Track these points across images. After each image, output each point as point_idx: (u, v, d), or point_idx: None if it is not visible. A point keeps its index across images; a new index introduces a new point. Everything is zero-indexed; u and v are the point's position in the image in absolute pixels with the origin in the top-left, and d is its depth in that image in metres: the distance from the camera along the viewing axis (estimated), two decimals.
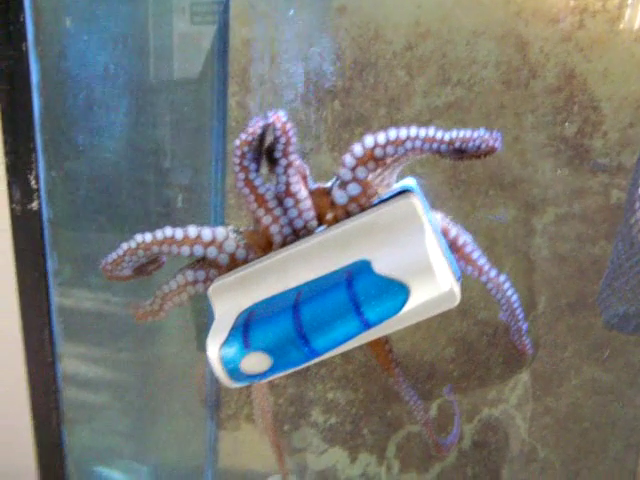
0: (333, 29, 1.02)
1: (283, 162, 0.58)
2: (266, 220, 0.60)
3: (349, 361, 1.15)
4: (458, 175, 1.05)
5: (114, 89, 1.02)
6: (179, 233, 0.62)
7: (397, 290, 0.52)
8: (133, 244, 0.63)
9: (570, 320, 1.09)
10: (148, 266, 0.69)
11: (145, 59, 1.05)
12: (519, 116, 1.02)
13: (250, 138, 0.57)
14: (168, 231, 0.63)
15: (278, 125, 0.57)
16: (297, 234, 0.60)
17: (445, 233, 0.61)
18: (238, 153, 0.58)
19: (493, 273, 0.62)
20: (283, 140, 0.57)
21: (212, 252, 0.63)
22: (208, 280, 0.64)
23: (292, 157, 0.58)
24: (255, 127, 0.57)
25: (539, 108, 1.01)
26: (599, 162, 1.02)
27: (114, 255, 0.64)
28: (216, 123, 1.06)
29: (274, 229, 0.60)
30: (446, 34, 1.01)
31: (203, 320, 1.14)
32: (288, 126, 0.57)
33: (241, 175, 0.59)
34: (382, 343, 0.67)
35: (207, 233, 0.62)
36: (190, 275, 0.65)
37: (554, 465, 1.15)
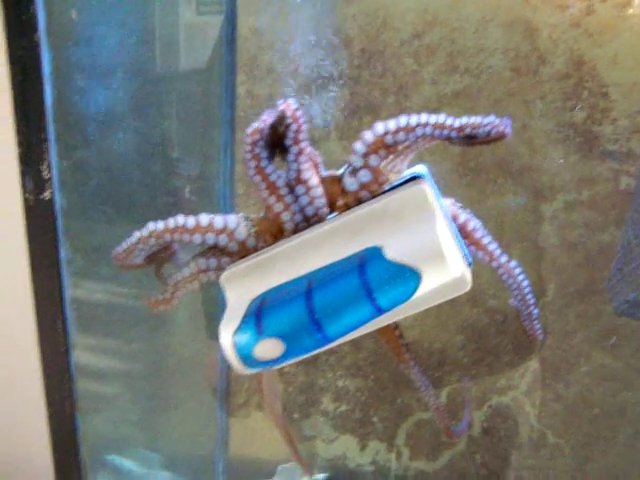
0: (341, 17, 1.02)
1: (294, 149, 0.58)
2: (277, 207, 0.61)
3: (359, 349, 1.15)
4: (466, 163, 1.05)
5: (123, 79, 1.03)
6: (191, 221, 0.63)
7: (409, 276, 0.52)
8: (145, 232, 0.63)
9: (579, 307, 1.09)
10: (159, 254, 0.69)
11: (153, 49, 1.05)
12: (527, 103, 1.02)
13: (262, 126, 0.58)
14: (180, 219, 0.63)
15: (289, 113, 0.57)
16: (308, 221, 0.60)
17: (455, 219, 0.61)
18: (249, 141, 0.59)
19: (504, 259, 0.62)
20: (294, 127, 0.58)
21: (223, 240, 0.63)
22: (220, 268, 0.65)
23: (303, 144, 0.58)
24: (267, 116, 0.58)
25: (548, 95, 1.01)
26: (608, 149, 1.02)
27: (126, 244, 0.65)
28: (224, 112, 1.06)
29: (285, 216, 0.60)
30: (454, 21, 1.01)
31: (213, 309, 1.15)
32: (299, 113, 0.58)
33: (252, 163, 0.60)
34: (391, 329, 0.67)
35: (219, 221, 0.63)
36: (202, 263, 0.65)
37: (564, 451, 1.15)
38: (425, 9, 1.01)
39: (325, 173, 0.62)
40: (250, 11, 1.03)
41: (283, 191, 0.60)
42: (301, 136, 0.58)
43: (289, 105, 0.57)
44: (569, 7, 0.97)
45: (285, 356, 0.56)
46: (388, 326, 0.64)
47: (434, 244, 0.52)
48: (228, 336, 0.57)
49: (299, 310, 0.54)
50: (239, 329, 0.56)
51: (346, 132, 1.06)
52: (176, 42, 1.06)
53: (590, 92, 1.00)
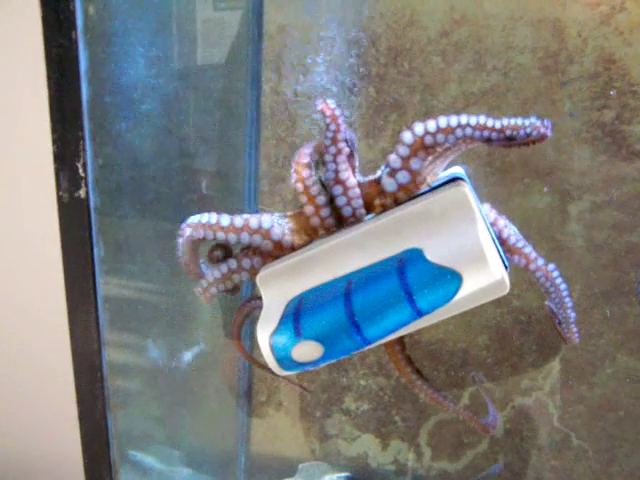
0: (368, 15, 1.01)
1: (332, 150, 0.58)
2: (312, 209, 0.60)
3: (381, 348, 1.15)
4: (493, 162, 1.04)
5: (154, 76, 1.02)
6: (225, 220, 0.63)
7: (450, 278, 0.52)
8: (183, 234, 0.64)
9: (605, 309, 1.08)
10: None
11: (179, 46, 1.05)
12: (555, 102, 1.01)
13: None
14: (213, 218, 0.63)
15: (327, 112, 0.57)
16: (345, 222, 0.60)
17: (494, 224, 0.60)
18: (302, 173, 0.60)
19: (541, 262, 0.62)
20: (332, 127, 0.57)
21: (257, 239, 0.63)
22: (253, 268, 0.64)
23: (341, 145, 0.58)
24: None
25: (576, 94, 1.00)
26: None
27: (179, 251, 0.65)
28: (250, 110, 1.06)
29: (322, 217, 0.60)
30: (482, 19, 1.00)
31: (231, 306, 1.15)
32: (337, 113, 0.57)
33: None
34: (397, 351, 0.67)
35: (253, 221, 0.62)
36: (234, 263, 0.65)
37: (587, 453, 1.14)
38: (452, 7, 1.00)
39: (361, 177, 0.61)
40: (277, 8, 1.02)
41: (319, 192, 0.60)
42: (339, 136, 0.58)
43: (328, 105, 0.57)
44: (599, 5, 0.96)
45: (323, 358, 0.56)
46: (393, 348, 0.65)
47: (476, 246, 0.52)
48: (265, 337, 0.57)
49: (338, 312, 0.54)
50: (277, 331, 0.56)
51: (371, 130, 1.06)
52: (203, 39, 1.06)
53: (619, 91, 0.99)
